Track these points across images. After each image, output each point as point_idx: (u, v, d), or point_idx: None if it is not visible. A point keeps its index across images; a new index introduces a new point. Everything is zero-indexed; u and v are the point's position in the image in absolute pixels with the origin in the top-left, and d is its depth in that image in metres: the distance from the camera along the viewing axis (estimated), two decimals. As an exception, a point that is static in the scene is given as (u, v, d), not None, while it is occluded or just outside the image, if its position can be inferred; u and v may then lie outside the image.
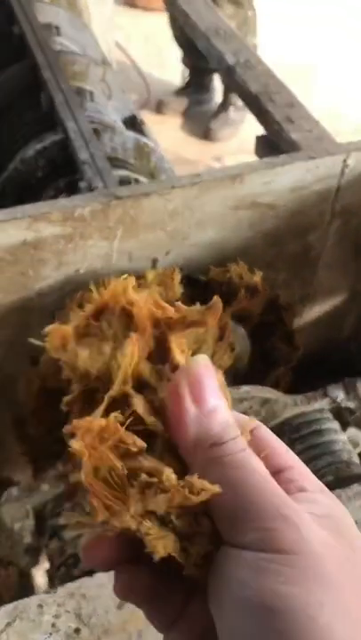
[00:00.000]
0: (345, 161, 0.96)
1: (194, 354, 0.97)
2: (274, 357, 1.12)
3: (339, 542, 0.31)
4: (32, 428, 1.02)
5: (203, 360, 0.36)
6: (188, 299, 0.98)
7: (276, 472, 0.34)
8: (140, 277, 0.88)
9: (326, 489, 0.35)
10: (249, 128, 1.07)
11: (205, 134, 3.53)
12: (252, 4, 3.27)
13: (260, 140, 1.07)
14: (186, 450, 0.33)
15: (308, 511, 0.32)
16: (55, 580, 0.88)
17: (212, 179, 0.90)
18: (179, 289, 0.90)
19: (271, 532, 0.30)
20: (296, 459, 0.36)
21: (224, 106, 3.51)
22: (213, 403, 0.33)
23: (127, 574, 0.36)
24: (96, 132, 1.26)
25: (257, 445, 0.34)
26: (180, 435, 0.33)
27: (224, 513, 0.31)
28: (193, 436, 0.33)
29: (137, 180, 1.22)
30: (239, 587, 0.29)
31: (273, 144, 1.04)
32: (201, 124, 3.60)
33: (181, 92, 3.71)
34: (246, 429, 0.34)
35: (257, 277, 0.97)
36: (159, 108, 3.66)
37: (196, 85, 3.70)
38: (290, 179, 0.95)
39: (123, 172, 1.24)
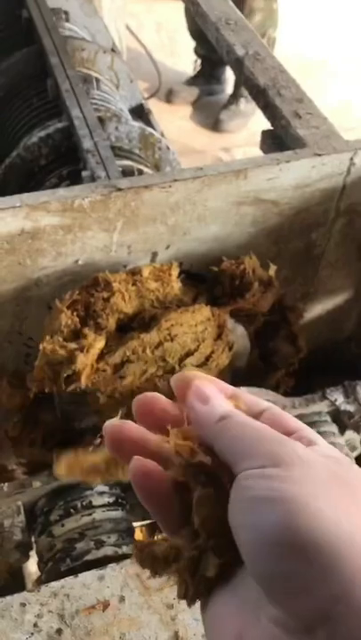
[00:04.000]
0: (352, 159, 0.94)
1: (193, 353, 0.95)
2: (276, 358, 1.11)
3: (335, 464, 0.38)
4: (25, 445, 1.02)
5: (204, 380, 0.45)
6: (188, 295, 0.97)
7: (290, 432, 0.41)
8: (135, 273, 0.87)
9: (334, 448, 0.42)
10: (259, 120, 1.05)
11: (215, 125, 3.51)
12: None
13: (265, 134, 1.05)
14: (202, 431, 0.42)
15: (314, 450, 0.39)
16: (43, 574, 0.88)
17: (216, 173, 0.89)
18: (177, 284, 0.88)
19: (271, 452, 0.37)
20: (300, 422, 0.43)
21: (235, 97, 3.48)
22: (212, 398, 0.43)
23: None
24: (101, 120, 1.24)
25: (271, 417, 0.42)
26: (196, 425, 0.42)
27: (236, 454, 0.39)
28: (206, 421, 0.42)
29: (140, 171, 1.21)
30: (251, 490, 0.36)
31: (279, 139, 1.02)
32: (211, 114, 3.57)
33: (192, 81, 3.69)
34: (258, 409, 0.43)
35: (271, 271, 0.95)
36: (169, 96, 3.63)
37: (207, 76, 3.67)
38: (294, 175, 0.93)
39: (126, 162, 1.22)
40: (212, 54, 3.27)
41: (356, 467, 0.39)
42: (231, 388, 0.45)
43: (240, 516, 0.36)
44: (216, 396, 0.43)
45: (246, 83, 1.13)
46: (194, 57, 3.65)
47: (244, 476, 0.37)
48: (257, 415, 0.43)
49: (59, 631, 0.60)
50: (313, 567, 0.32)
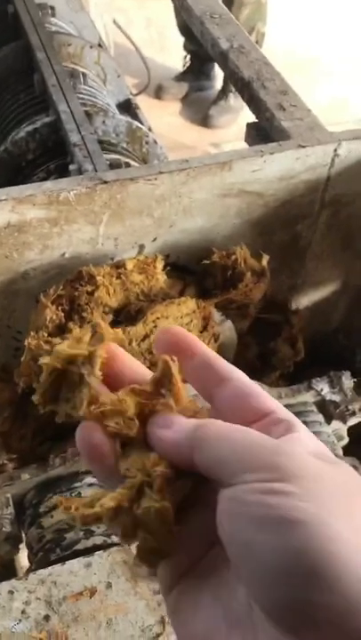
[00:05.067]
0: (336, 151, 0.95)
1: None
2: (274, 359, 1.12)
3: (335, 467, 0.35)
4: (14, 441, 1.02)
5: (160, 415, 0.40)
6: (175, 287, 0.98)
7: (263, 414, 0.38)
8: (120, 266, 0.87)
9: (312, 434, 0.39)
10: (248, 115, 1.06)
11: (204, 121, 3.52)
12: None
13: (250, 126, 1.05)
14: (181, 451, 0.38)
15: (301, 444, 0.36)
16: (33, 565, 0.88)
17: (201, 165, 0.89)
18: (162, 277, 0.89)
19: (272, 466, 0.34)
20: (275, 401, 0.40)
21: (224, 93, 3.49)
22: (175, 420, 0.39)
23: None
24: (88, 114, 1.24)
25: (236, 392, 0.39)
26: (173, 449, 0.38)
27: (227, 467, 0.35)
28: (177, 441, 0.38)
29: (128, 164, 1.21)
30: (263, 508, 0.32)
31: (263, 131, 1.03)
32: (200, 110, 3.58)
33: (182, 77, 3.69)
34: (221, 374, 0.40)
35: (263, 261, 0.96)
36: (159, 92, 3.63)
37: (196, 72, 3.68)
38: (279, 167, 0.93)
39: (114, 156, 1.22)
40: (201, 50, 3.28)
41: (341, 463, 0.36)
42: (202, 346, 0.41)
43: (247, 535, 0.33)
44: (179, 418, 0.39)
45: (231, 76, 1.13)
46: (183, 53, 3.65)
47: (245, 490, 0.33)
48: (219, 383, 0.40)
49: (46, 617, 0.61)
50: (343, 598, 0.30)
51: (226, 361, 0.41)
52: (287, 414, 0.39)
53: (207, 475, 0.36)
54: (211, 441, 0.36)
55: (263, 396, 0.39)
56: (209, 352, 0.41)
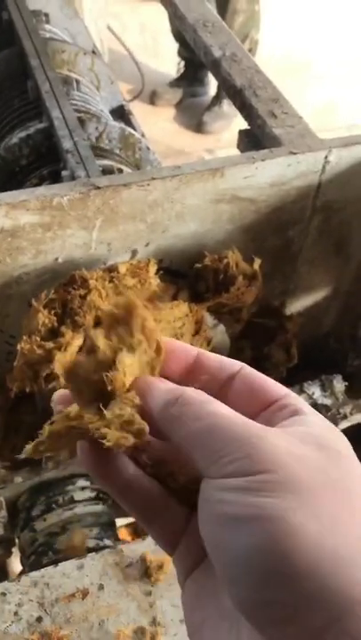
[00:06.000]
0: (326, 157, 0.96)
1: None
2: (268, 364, 1.13)
3: (320, 456, 0.34)
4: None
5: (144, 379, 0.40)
6: (168, 291, 0.98)
7: (271, 402, 0.38)
8: (112, 270, 0.88)
9: (322, 416, 0.38)
10: (242, 122, 1.07)
11: (198, 127, 3.53)
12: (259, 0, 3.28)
13: (242, 133, 1.06)
14: (160, 426, 0.37)
15: (296, 430, 0.35)
16: (25, 568, 0.89)
17: (193, 171, 0.90)
18: (155, 281, 0.89)
19: (246, 458, 0.33)
20: (288, 389, 0.39)
21: (218, 99, 3.51)
22: (147, 389, 0.38)
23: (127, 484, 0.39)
24: (81, 121, 1.25)
25: (244, 383, 0.39)
26: (149, 410, 0.38)
27: (201, 456, 0.35)
28: (154, 414, 0.37)
29: (121, 170, 1.22)
30: (223, 505, 0.33)
31: (255, 138, 1.04)
32: (194, 116, 3.59)
33: (176, 83, 3.71)
34: (233, 370, 0.39)
35: (256, 265, 0.97)
36: (153, 98, 3.65)
37: (190, 78, 3.70)
38: (271, 174, 0.94)
39: (107, 162, 1.23)
40: (195, 57, 3.29)
41: (342, 439, 0.36)
42: (195, 349, 0.41)
43: (215, 535, 0.33)
44: (151, 382, 0.39)
45: (224, 83, 1.14)
46: (177, 59, 3.67)
47: (216, 486, 0.33)
48: (228, 380, 0.39)
49: (39, 619, 0.62)
50: (299, 596, 0.30)
51: (220, 356, 0.41)
52: (295, 398, 0.38)
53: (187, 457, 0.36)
54: (186, 426, 0.35)
55: (269, 383, 0.39)
56: (207, 353, 0.41)
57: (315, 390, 1.03)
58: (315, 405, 1.03)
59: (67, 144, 1.14)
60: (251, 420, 0.35)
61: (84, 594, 0.64)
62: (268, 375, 1.13)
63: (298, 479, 0.32)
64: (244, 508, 0.32)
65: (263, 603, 0.31)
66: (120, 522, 1.05)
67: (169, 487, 0.39)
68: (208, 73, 3.62)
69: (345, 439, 0.37)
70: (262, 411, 0.38)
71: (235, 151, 1.10)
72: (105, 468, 0.39)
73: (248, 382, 0.39)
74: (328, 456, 0.34)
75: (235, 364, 0.40)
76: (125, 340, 0.39)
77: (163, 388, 0.38)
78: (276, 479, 0.32)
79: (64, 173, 1.09)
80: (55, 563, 0.79)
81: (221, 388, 0.40)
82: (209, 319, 0.98)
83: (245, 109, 1.08)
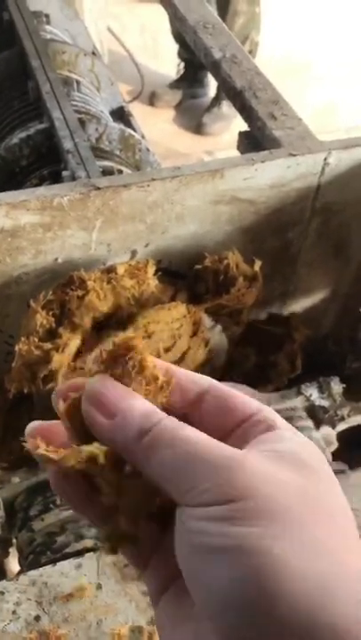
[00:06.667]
0: (326, 159, 0.96)
1: (170, 349, 0.96)
2: (272, 373, 1.13)
3: (298, 476, 0.33)
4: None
5: (96, 378, 0.37)
6: (167, 292, 0.99)
7: (245, 419, 0.36)
8: (111, 271, 0.88)
9: (295, 429, 0.37)
10: (241, 123, 1.07)
11: (198, 128, 3.54)
12: (259, 1, 3.29)
13: (242, 135, 1.07)
14: (124, 453, 0.35)
15: (270, 448, 0.34)
16: (23, 568, 0.89)
17: (193, 173, 0.90)
18: (153, 282, 0.90)
19: (219, 486, 0.31)
20: (260, 403, 0.38)
21: (217, 100, 3.51)
22: (119, 406, 0.35)
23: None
24: (81, 121, 1.25)
25: (216, 401, 0.37)
26: (114, 446, 0.35)
27: (176, 484, 0.33)
28: (121, 442, 0.35)
29: (120, 171, 1.22)
30: (199, 536, 0.31)
31: (255, 140, 1.04)
32: (194, 117, 3.60)
33: (176, 84, 3.72)
34: (203, 387, 0.38)
35: (256, 266, 0.97)
36: (153, 99, 3.66)
37: (190, 79, 3.70)
38: (270, 175, 0.95)
39: (107, 163, 1.23)
40: (195, 58, 3.30)
41: (319, 455, 0.35)
42: (164, 364, 0.38)
43: (193, 566, 0.32)
44: (123, 399, 0.36)
45: (224, 85, 1.15)
46: (177, 60, 3.68)
47: (193, 515, 0.32)
48: (198, 400, 0.38)
49: (37, 618, 0.62)
50: (286, 633, 0.28)
51: (188, 372, 0.39)
52: (268, 413, 0.37)
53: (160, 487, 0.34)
54: (158, 457, 0.33)
55: (240, 399, 0.38)
56: (177, 370, 0.39)
57: (312, 392, 1.03)
58: (312, 407, 1.03)
59: (67, 145, 1.14)
60: (226, 445, 0.34)
61: (82, 593, 0.64)
62: (270, 384, 1.12)
63: (278, 506, 0.31)
64: (223, 540, 0.30)
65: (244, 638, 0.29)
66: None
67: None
68: (208, 74, 3.63)
69: (319, 452, 0.36)
70: (236, 427, 0.37)
71: (234, 153, 1.11)
72: (62, 480, 0.38)
73: (219, 399, 0.38)
74: (307, 475, 0.33)
75: (203, 380, 0.39)
76: (123, 381, 0.38)
77: (137, 413, 0.35)
78: (256, 506, 0.31)
79: (64, 174, 1.10)
80: (53, 562, 0.80)
81: (192, 406, 0.38)
82: (207, 321, 0.98)
83: (245, 111, 1.08)
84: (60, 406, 0.37)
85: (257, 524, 0.30)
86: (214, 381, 0.38)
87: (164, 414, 0.35)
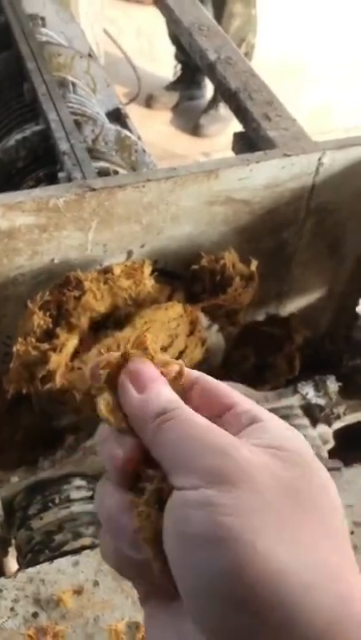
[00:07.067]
0: (320, 159, 0.97)
1: (167, 349, 0.97)
2: (269, 374, 1.14)
3: (286, 469, 0.33)
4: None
5: (139, 357, 0.39)
6: (164, 292, 0.99)
7: (226, 409, 0.38)
8: (107, 271, 0.89)
9: (278, 418, 0.37)
10: (238, 125, 1.08)
11: (195, 130, 3.54)
12: (255, 4, 3.29)
13: (237, 136, 1.08)
14: (138, 427, 0.36)
15: (258, 442, 0.34)
16: (22, 567, 0.89)
17: (188, 173, 0.91)
18: (149, 282, 0.90)
19: (212, 468, 0.32)
20: (241, 395, 0.39)
21: (214, 102, 3.52)
22: (150, 385, 0.37)
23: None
24: (77, 123, 1.26)
25: (202, 392, 0.39)
26: (131, 417, 0.37)
27: (172, 465, 0.34)
28: (141, 416, 0.36)
29: (116, 172, 1.23)
30: (187, 523, 0.31)
31: (250, 141, 1.05)
32: (190, 119, 3.61)
33: (172, 86, 3.72)
34: (189, 379, 0.39)
35: (253, 266, 0.97)
36: (149, 101, 3.66)
37: (187, 81, 3.71)
38: (265, 175, 0.95)
39: (103, 164, 1.24)
40: (191, 60, 3.31)
41: (306, 447, 0.36)
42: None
43: (179, 553, 0.32)
44: (155, 381, 0.38)
45: (219, 87, 1.15)
46: (174, 62, 3.68)
47: (180, 501, 0.32)
48: (187, 389, 0.39)
49: (35, 614, 0.63)
50: (266, 626, 0.29)
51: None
52: (251, 405, 0.38)
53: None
54: (165, 437, 0.35)
55: (226, 390, 0.39)
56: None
57: (309, 390, 1.04)
58: (309, 405, 1.04)
59: (63, 146, 1.14)
60: (228, 433, 0.34)
61: (80, 590, 0.64)
62: (267, 385, 1.12)
63: (266, 498, 0.31)
64: (208, 528, 0.30)
65: (232, 631, 0.30)
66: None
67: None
68: (205, 76, 3.63)
69: (306, 443, 0.36)
70: (218, 417, 0.38)
71: (231, 154, 1.11)
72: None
73: (206, 390, 0.39)
74: (293, 468, 0.33)
75: (193, 372, 0.40)
76: None
77: (163, 397, 0.37)
78: (241, 495, 0.31)
79: (60, 175, 1.10)
80: (51, 560, 0.80)
81: (181, 396, 0.39)
82: (204, 320, 0.99)
83: (240, 112, 1.09)
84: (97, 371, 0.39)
85: (241, 515, 0.30)
86: (204, 374, 0.40)
87: (184, 404, 0.37)
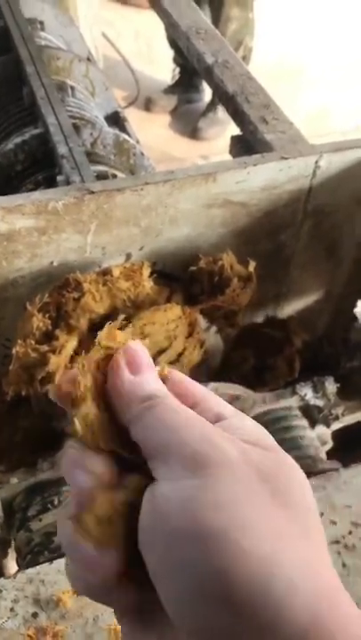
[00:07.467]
0: (317, 162, 0.98)
1: (165, 350, 0.97)
2: (268, 375, 1.14)
3: (265, 462, 0.33)
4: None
5: (139, 344, 0.39)
6: (162, 294, 1.00)
7: (193, 405, 0.37)
8: (106, 273, 0.89)
9: (242, 413, 0.38)
10: (236, 128, 1.09)
11: (193, 133, 3.55)
12: (253, 7, 3.30)
13: (235, 139, 1.08)
14: (121, 407, 0.36)
15: (235, 437, 0.34)
16: (21, 568, 0.90)
17: (185, 176, 0.91)
18: (148, 284, 0.91)
19: (195, 454, 0.32)
20: (208, 391, 0.39)
21: (213, 105, 3.53)
22: (144, 370, 0.37)
23: None
24: (76, 127, 1.27)
25: (173, 388, 0.38)
26: (116, 396, 0.37)
27: (155, 449, 0.34)
28: (127, 397, 0.36)
29: (115, 176, 1.24)
30: (167, 521, 0.31)
31: (247, 144, 1.06)
32: (189, 122, 3.61)
33: (171, 90, 3.73)
34: (162, 373, 0.39)
35: (250, 267, 0.98)
36: (148, 105, 3.67)
37: (186, 84, 3.72)
38: (262, 178, 0.96)
39: (101, 168, 1.25)
40: (190, 64, 3.32)
41: (272, 441, 0.36)
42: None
43: (158, 553, 0.31)
44: (150, 368, 0.38)
45: (216, 90, 1.16)
46: (172, 65, 3.69)
47: (160, 491, 0.32)
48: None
49: (34, 615, 0.63)
50: (250, 626, 0.28)
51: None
52: (217, 402, 0.38)
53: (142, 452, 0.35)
54: (150, 419, 0.34)
55: (193, 386, 0.39)
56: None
57: (307, 392, 1.04)
58: (307, 406, 1.04)
59: (62, 150, 1.15)
60: (212, 425, 0.35)
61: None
62: (266, 386, 1.12)
63: (248, 485, 0.31)
64: (190, 526, 0.30)
65: (214, 631, 0.29)
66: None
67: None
68: (203, 79, 3.64)
69: (269, 435, 0.36)
70: None
71: (229, 157, 1.12)
72: None
73: (177, 386, 0.39)
74: (272, 463, 0.34)
75: (165, 368, 0.40)
76: None
77: (153, 384, 0.37)
78: (227, 484, 0.31)
79: (59, 178, 1.11)
80: (51, 561, 0.81)
81: None
82: (202, 322, 0.99)
83: (238, 115, 1.09)
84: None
85: (225, 509, 0.30)
86: (174, 370, 0.40)
87: (172, 395, 0.37)
